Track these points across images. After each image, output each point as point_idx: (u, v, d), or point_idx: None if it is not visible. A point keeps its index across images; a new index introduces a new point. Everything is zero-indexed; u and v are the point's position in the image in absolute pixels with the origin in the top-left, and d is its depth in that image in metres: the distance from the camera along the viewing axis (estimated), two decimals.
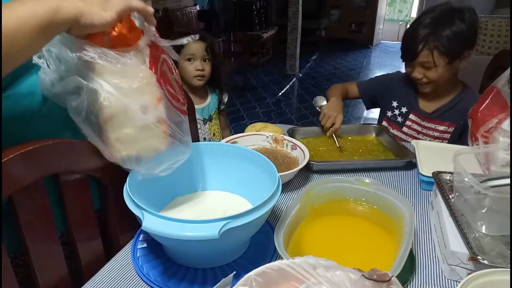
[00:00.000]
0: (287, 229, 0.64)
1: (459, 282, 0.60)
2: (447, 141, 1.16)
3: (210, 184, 0.75)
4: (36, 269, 0.58)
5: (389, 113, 1.27)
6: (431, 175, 0.83)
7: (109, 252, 0.67)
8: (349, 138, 1.10)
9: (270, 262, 0.62)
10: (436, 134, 1.18)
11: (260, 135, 0.98)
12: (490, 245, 0.60)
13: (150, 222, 0.51)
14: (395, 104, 1.26)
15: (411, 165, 0.95)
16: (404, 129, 1.22)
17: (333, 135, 1.05)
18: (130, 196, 0.56)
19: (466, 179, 0.65)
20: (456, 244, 0.60)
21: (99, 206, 0.68)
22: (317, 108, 1.15)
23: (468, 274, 0.59)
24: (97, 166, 0.62)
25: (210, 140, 1.39)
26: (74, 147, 0.58)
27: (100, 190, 0.67)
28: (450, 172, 0.77)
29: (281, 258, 0.58)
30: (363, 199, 0.75)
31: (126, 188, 0.59)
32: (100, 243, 0.67)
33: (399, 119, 1.25)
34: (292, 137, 1.03)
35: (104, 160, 0.59)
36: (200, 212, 0.68)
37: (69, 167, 0.60)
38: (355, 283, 0.38)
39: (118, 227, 0.68)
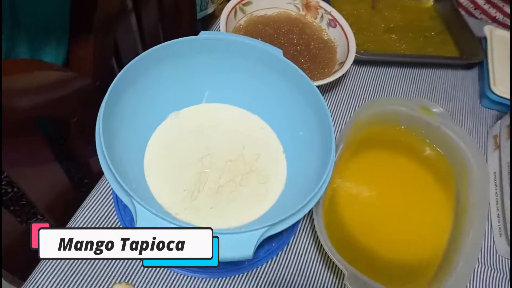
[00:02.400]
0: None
1: None
2: None
3: (218, 94, 0.51)
4: None
5: None
6: (506, 95, 0.63)
7: (81, 180, 0.49)
8: (398, 7, 0.80)
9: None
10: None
11: None
12: None
13: (148, 224, 0.33)
14: None
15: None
16: None
17: None
18: (107, 164, 0.35)
19: None
20: None
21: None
22: None
23: None
24: (40, 103, 0.36)
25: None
26: None
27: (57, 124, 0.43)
28: None
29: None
30: (421, 131, 0.57)
31: (100, 138, 0.36)
32: (62, 176, 0.48)
33: None
34: None
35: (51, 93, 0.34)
36: (206, 148, 0.47)
37: None
38: None
39: (87, 155, 0.48)
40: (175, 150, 0.47)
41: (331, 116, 0.60)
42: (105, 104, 0.39)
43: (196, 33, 0.46)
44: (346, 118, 0.61)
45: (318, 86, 0.57)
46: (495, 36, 0.72)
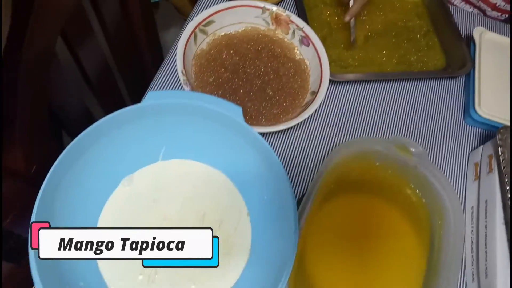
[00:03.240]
0: None
1: None
2: None
3: (175, 150, 0.47)
4: None
5: None
6: (492, 117, 0.59)
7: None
8: (381, 11, 0.71)
9: None
10: None
11: (252, 8, 0.59)
12: None
13: None
14: None
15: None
16: None
17: (351, 20, 0.64)
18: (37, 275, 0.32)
19: None
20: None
21: None
22: None
23: None
24: None
25: None
26: None
27: None
28: None
29: None
30: (397, 169, 0.54)
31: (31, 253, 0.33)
32: None
33: None
34: None
35: None
36: (163, 218, 0.44)
37: None
38: None
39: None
40: (128, 225, 0.43)
41: (305, 151, 0.57)
42: (40, 200, 0.35)
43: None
44: (322, 151, 0.57)
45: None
46: (485, 40, 0.66)
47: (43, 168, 0.37)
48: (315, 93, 0.54)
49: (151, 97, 0.41)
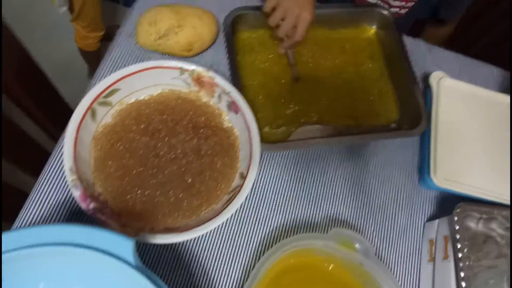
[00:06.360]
0: None
1: None
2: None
3: (59, 283, 0.37)
4: None
5: None
6: (449, 186, 0.52)
7: None
8: (330, 35, 0.62)
9: None
10: None
11: (169, 69, 0.48)
12: None
13: None
14: None
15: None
16: None
17: (288, 52, 0.57)
18: None
19: None
20: None
21: None
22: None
23: None
24: None
25: None
26: None
27: None
28: (490, 204, 0.47)
29: None
30: (341, 263, 0.46)
31: None
32: None
33: None
34: (233, 30, 0.56)
35: None
36: None
37: None
38: None
39: None
40: None
41: (237, 241, 0.49)
42: None
43: None
44: (256, 240, 0.49)
45: None
46: (443, 87, 0.58)
47: None
48: (244, 176, 0.45)
49: (8, 242, 0.31)
